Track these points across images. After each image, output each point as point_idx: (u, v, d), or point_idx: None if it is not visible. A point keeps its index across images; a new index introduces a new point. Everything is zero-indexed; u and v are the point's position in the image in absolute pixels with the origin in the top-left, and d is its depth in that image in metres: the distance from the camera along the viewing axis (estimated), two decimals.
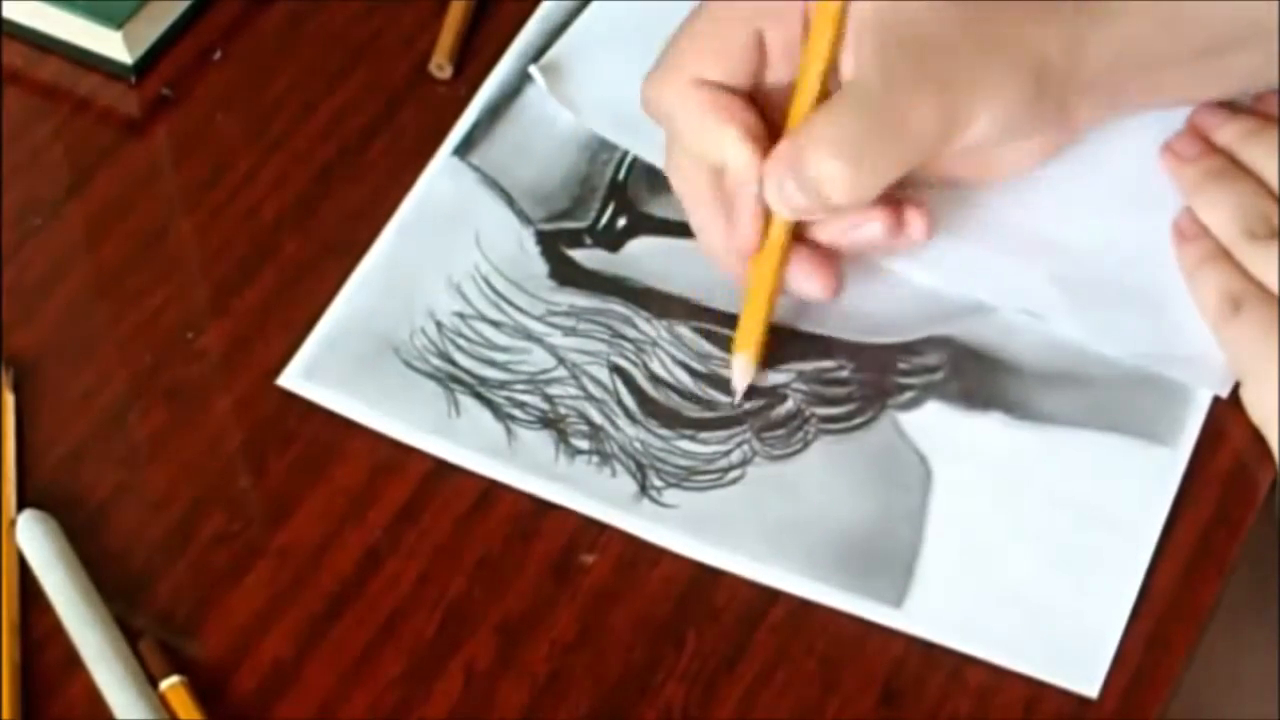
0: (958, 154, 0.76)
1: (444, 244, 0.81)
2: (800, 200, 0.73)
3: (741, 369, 0.76)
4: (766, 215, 0.75)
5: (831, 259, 0.77)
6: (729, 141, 0.74)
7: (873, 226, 0.76)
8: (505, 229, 0.81)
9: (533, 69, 0.84)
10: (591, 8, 0.87)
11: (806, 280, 0.76)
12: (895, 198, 0.75)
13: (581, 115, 0.84)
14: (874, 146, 0.73)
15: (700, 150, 0.75)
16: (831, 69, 0.74)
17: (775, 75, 0.76)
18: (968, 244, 0.80)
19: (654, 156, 0.82)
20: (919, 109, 0.72)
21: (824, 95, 0.74)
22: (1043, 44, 0.74)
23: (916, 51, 0.73)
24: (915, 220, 0.76)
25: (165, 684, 0.70)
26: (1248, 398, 0.75)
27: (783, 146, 0.74)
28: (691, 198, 0.77)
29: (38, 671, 0.71)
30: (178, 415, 0.77)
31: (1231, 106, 0.80)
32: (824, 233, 0.76)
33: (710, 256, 0.77)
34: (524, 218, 0.81)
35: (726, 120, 0.74)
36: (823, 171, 0.72)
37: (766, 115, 0.75)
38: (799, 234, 0.76)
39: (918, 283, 0.79)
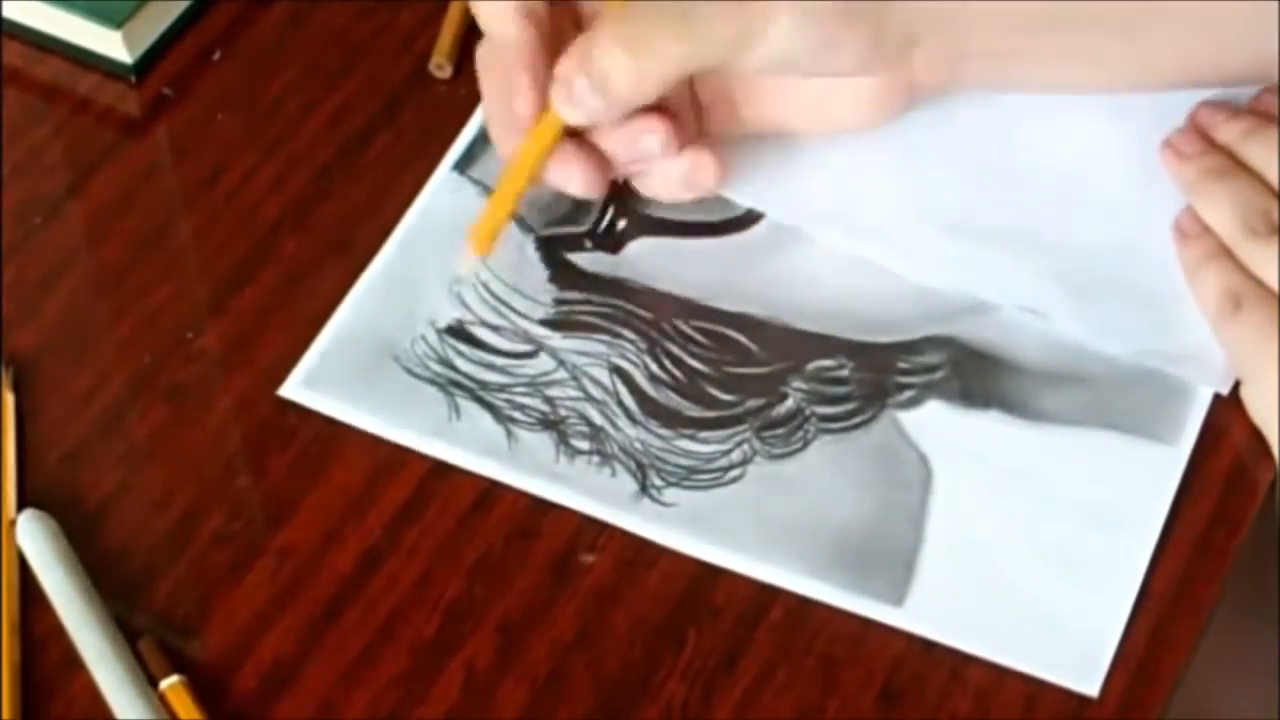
0: (784, 93, 0.76)
1: (444, 255, 0.80)
2: (587, 96, 0.73)
3: (468, 260, 0.76)
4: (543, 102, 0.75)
5: (600, 158, 0.76)
6: (509, 18, 0.75)
7: (650, 139, 0.75)
8: (505, 237, 0.81)
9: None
10: None
11: (570, 175, 0.76)
12: (697, 136, 0.76)
13: None
14: (660, 38, 0.73)
15: (484, 23, 0.76)
16: None
17: None
18: (968, 242, 0.80)
19: None
20: (709, 4, 0.72)
21: None
22: None
23: None
24: (706, 163, 0.76)
25: (165, 684, 0.70)
26: (1247, 396, 0.75)
27: (574, 44, 0.74)
28: (483, 78, 0.77)
29: (38, 671, 0.71)
30: (177, 415, 0.77)
31: (1232, 105, 0.80)
32: (606, 140, 0.76)
33: (493, 136, 0.78)
34: (524, 226, 0.81)
35: (516, 4, 0.75)
36: (607, 62, 0.73)
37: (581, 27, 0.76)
38: (579, 134, 0.76)
39: (918, 281, 0.79)
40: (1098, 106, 0.82)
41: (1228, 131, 0.79)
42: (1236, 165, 0.78)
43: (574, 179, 0.76)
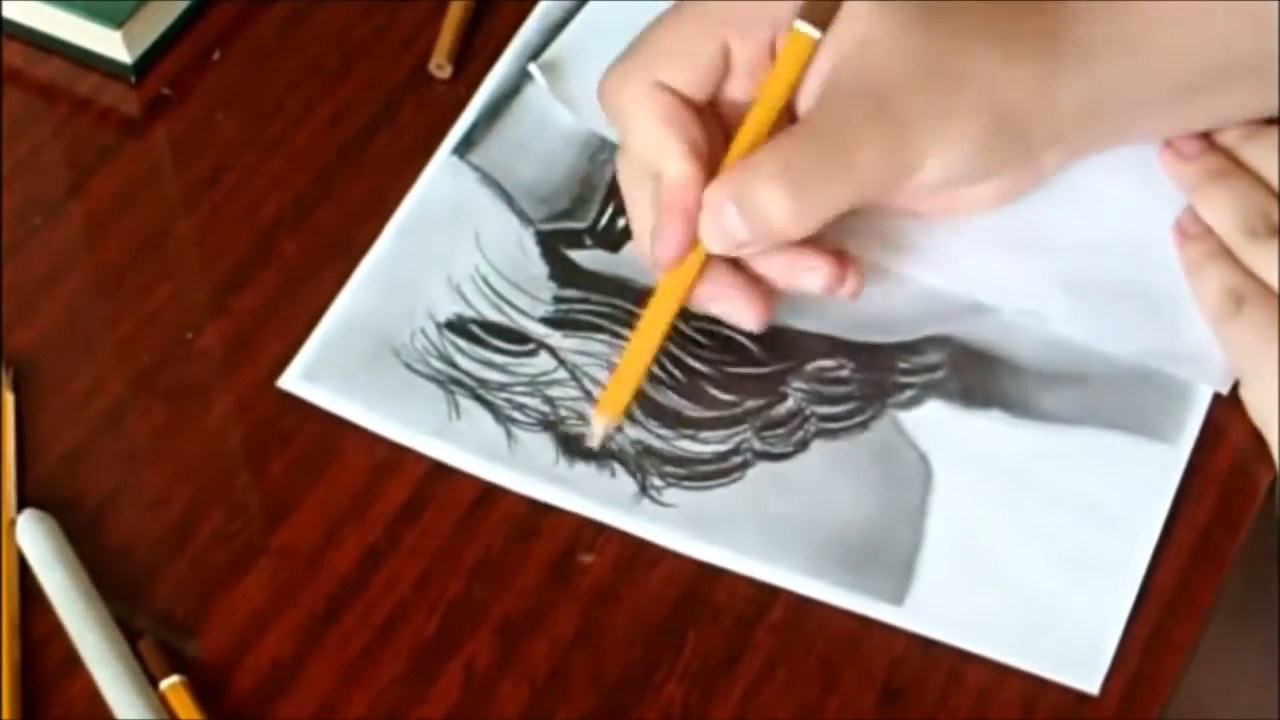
0: (914, 192, 0.75)
1: (444, 245, 0.80)
2: (740, 228, 0.72)
3: (600, 431, 0.75)
4: (694, 236, 0.74)
5: (766, 291, 0.75)
6: (672, 153, 0.73)
7: (814, 277, 0.75)
8: (505, 230, 0.81)
9: (532, 67, 0.84)
10: (590, 6, 0.87)
11: (735, 310, 0.75)
12: (839, 250, 0.75)
13: (581, 114, 0.84)
14: (819, 179, 0.72)
15: (645, 155, 0.75)
16: (787, 104, 0.74)
17: (734, 90, 0.75)
18: (968, 243, 0.80)
19: None
20: (868, 147, 0.72)
21: (776, 127, 0.74)
22: (1008, 87, 0.73)
23: (873, 90, 0.72)
24: (853, 279, 0.75)
25: (165, 684, 0.70)
26: (1247, 396, 0.75)
27: (725, 175, 0.73)
28: (631, 198, 0.76)
29: (38, 671, 0.71)
30: (177, 415, 0.77)
31: None
32: (769, 268, 0.75)
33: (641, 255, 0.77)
34: (524, 218, 0.81)
35: (675, 132, 0.73)
36: (766, 198, 0.71)
37: (719, 128, 0.75)
38: (740, 265, 0.75)
39: (918, 282, 0.79)
40: None
41: (1229, 134, 0.79)
42: (1237, 166, 0.78)
43: (743, 314, 0.75)
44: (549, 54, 0.85)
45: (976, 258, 0.79)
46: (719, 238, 0.73)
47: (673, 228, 0.73)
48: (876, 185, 0.73)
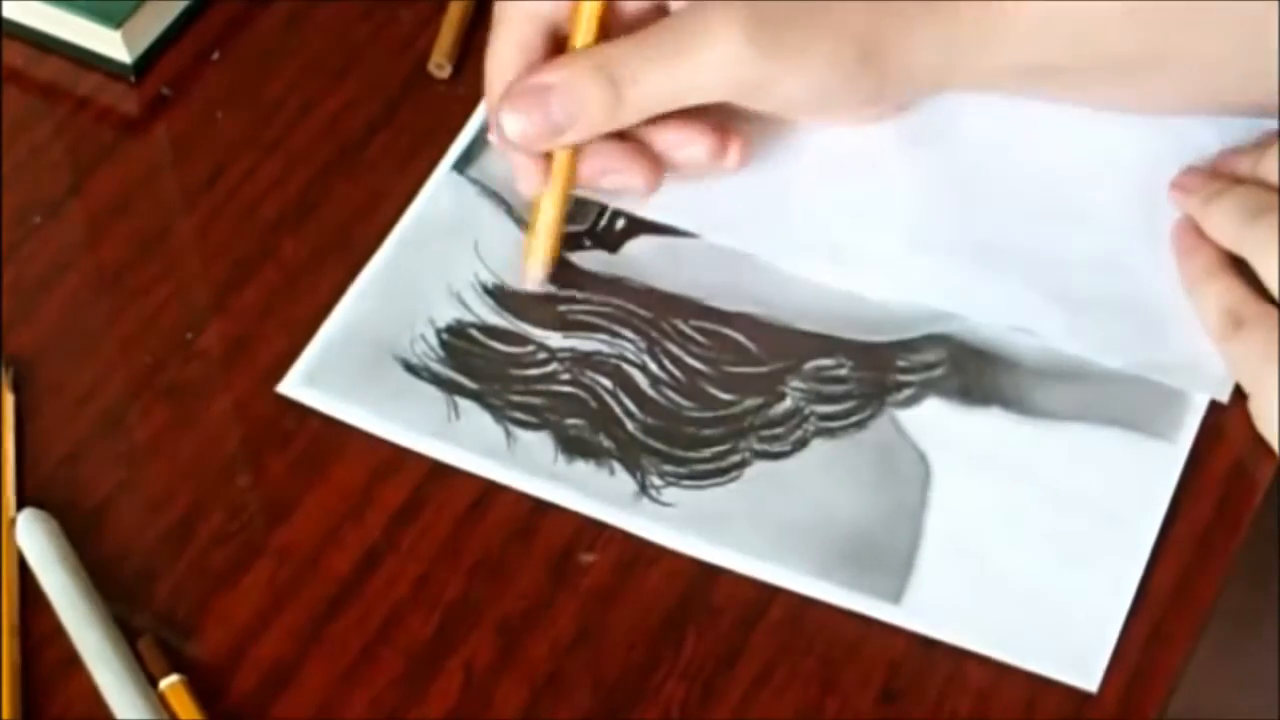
0: (766, 104, 0.78)
1: (444, 255, 0.80)
2: (560, 117, 0.75)
3: (535, 277, 0.79)
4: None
5: (653, 158, 0.78)
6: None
7: (697, 149, 0.78)
8: (505, 235, 0.81)
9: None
10: None
11: (627, 179, 0.78)
12: (722, 123, 0.78)
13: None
14: (646, 74, 0.74)
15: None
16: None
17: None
18: (962, 263, 0.79)
19: None
20: (724, 54, 0.74)
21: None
22: (875, 21, 0.75)
23: (745, 5, 0.74)
24: (734, 150, 0.78)
25: (165, 683, 0.70)
26: (1255, 410, 0.75)
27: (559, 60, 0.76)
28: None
29: (38, 671, 0.71)
30: (177, 415, 0.77)
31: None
32: (654, 139, 0.78)
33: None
34: (523, 224, 0.81)
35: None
36: (588, 91, 0.74)
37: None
38: (627, 137, 0.78)
39: (913, 302, 0.79)
40: (1086, 121, 0.82)
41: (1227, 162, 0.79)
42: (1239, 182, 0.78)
43: (633, 182, 0.78)
44: None
45: (970, 278, 0.79)
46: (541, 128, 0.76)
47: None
48: (724, 93, 0.75)
